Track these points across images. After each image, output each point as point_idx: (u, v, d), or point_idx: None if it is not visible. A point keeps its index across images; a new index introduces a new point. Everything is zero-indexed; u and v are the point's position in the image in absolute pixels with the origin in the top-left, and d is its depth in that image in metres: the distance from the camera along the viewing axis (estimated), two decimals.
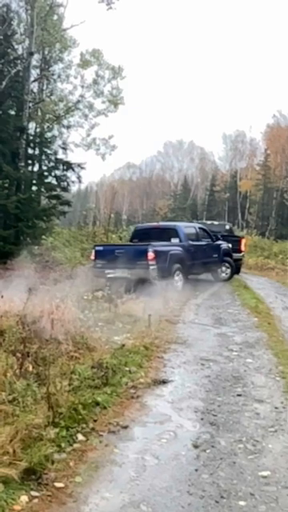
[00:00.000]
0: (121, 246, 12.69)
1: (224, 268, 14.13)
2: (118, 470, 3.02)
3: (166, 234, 12.15)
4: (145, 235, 12.60)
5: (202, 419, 3.85)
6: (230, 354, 5.84)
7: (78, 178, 24.63)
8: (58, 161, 24.87)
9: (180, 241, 11.98)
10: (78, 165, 24.61)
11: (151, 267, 10.43)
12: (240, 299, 10.14)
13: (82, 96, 22.87)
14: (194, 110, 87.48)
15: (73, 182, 24.82)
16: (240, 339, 6.61)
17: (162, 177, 74.02)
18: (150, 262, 10.45)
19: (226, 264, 14.24)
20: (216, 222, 17.40)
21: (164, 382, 4.72)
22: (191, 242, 12.32)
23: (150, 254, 10.50)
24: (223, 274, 14.03)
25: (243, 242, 15.87)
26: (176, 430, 3.65)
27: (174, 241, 11.91)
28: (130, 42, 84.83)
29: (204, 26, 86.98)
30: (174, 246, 11.61)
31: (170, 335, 6.71)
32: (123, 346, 5.46)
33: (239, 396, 4.38)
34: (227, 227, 16.09)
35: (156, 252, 10.62)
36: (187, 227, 13.42)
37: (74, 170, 24.32)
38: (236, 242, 15.81)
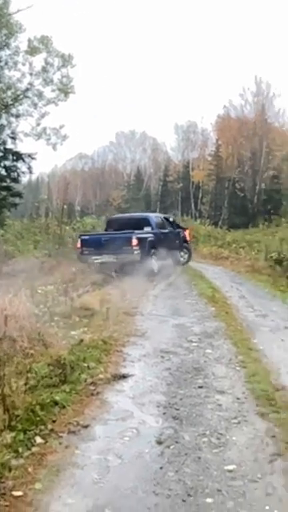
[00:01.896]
0: (106, 234, 13.57)
1: (182, 253, 15.73)
2: (80, 473, 2.88)
3: (139, 223, 13.34)
4: (118, 225, 13.87)
5: (164, 414, 3.77)
6: (190, 345, 5.80)
7: (29, 168, 23.99)
8: (7, 151, 24.14)
9: (152, 229, 13.29)
10: (29, 155, 23.95)
11: (135, 252, 11.79)
12: (197, 289, 10.15)
13: (30, 84, 22.17)
14: (145, 99, 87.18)
15: (23, 172, 24.17)
16: (199, 329, 6.58)
17: (114, 167, 73.43)
18: (135, 248, 11.80)
19: (184, 249, 15.95)
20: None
21: (124, 377, 4.61)
22: (160, 230, 13.81)
23: (134, 241, 11.84)
24: (182, 259, 15.49)
25: (187, 232, 16.78)
26: (138, 426, 3.54)
27: (147, 229, 13.11)
28: (80, 30, 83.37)
29: (156, 15, 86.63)
30: (149, 234, 12.89)
31: (128, 328, 6.60)
32: (82, 341, 5.30)
33: (201, 388, 4.33)
34: (170, 219, 16.60)
35: (138, 239, 11.93)
36: (156, 217, 15.02)
37: (24, 160, 23.65)
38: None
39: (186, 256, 15.88)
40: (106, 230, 14.81)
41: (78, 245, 12.89)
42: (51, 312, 7.24)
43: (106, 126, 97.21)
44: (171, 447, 3.20)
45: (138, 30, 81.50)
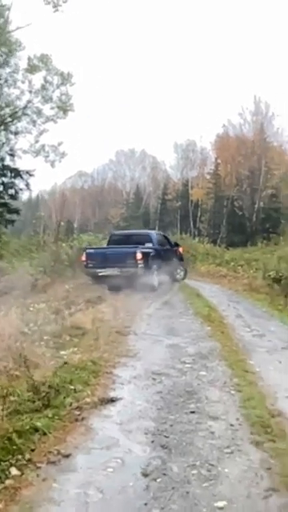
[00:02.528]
0: (111, 248, 13.98)
1: (179, 270, 16.09)
2: (56, 510, 2.63)
3: (140, 239, 14.01)
4: (120, 240, 14.46)
5: (152, 442, 3.52)
6: (183, 366, 5.56)
7: (27, 185, 24.01)
8: (5, 167, 24.16)
9: (153, 245, 13.85)
10: (27, 172, 23.98)
11: (139, 266, 12.28)
12: (193, 308, 9.92)
13: (29, 101, 22.27)
14: (145, 118, 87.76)
15: (21, 189, 24.21)
16: (193, 350, 6.34)
17: (114, 185, 73.64)
18: (139, 262, 12.30)
19: (181, 267, 16.38)
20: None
21: (112, 401, 4.36)
22: (160, 247, 14.50)
23: (139, 255, 12.35)
24: (178, 276, 15.82)
25: (180, 250, 17.22)
26: (124, 456, 3.30)
27: (148, 245, 13.58)
28: (80, 48, 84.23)
29: (155, 34, 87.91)
30: (150, 249, 13.42)
31: (120, 348, 6.36)
32: (65, 363, 5.04)
33: (193, 413, 4.09)
34: (168, 237, 16.92)
35: (142, 253, 12.48)
36: (156, 234, 15.89)
37: (22, 177, 23.67)
38: None
39: (182, 273, 16.24)
40: (108, 244, 15.15)
41: (83, 258, 13.22)
42: (41, 331, 7.02)
43: (106, 145, 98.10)
44: (158, 480, 2.96)
45: (137, 48, 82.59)
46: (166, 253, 14.85)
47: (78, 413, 3.99)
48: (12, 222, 23.13)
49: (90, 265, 12.93)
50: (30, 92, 22.23)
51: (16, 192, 23.42)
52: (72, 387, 4.50)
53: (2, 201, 22.49)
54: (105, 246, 15.59)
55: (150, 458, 3.26)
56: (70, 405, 4.11)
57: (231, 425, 3.82)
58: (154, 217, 60.80)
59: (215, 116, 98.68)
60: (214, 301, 11.16)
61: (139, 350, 6.28)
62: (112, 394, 4.53)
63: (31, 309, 9.08)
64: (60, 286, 12.34)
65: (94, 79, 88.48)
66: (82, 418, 3.90)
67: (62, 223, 23.54)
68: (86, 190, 77.07)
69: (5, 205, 22.22)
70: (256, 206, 41.60)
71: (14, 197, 23.21)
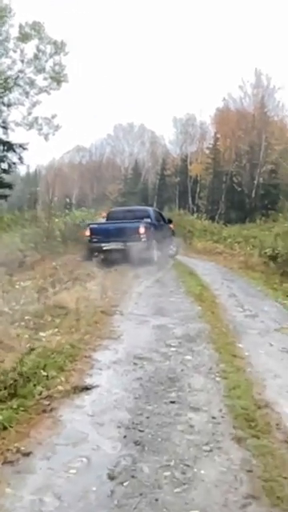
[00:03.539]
0: (114, 223, 14.09)
1: (171, 246, 16.36)
2: None
3: (138, 215, 14.25)
4: (119, 216, 14.79)
5: (125, 437, 3.21)
6: (168, 350, 5.23)
7: (20, 159, 23.43)
8: None
9: (151, 221, 13.95)
10: (20, 145, 23.35)
11: (143, 239, 12.69)
12: (185, 286, 9.57)
13: (22, 71, 21.52)
14: (144, 92, 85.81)
15: (14, 163, 23.61)
16: (180, 332, 6.01)
17: (112, 160, 72.71)
18: (142, 236, 12.73)
19: (173, 243, 16.69)
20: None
21: (87, 389, 4.04)
22: (157, 223, 14.69)
23: (142, 229, 12.78)
24: (171, 251, 16.10)
25: (171, 226, 17.55)
26: (91, 454, 2.98)
27: (147, 220, 13.70)
28: (75, 17, 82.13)
29: (156, 7, 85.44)
30: (150, 225, 13.66)
31: (103, 329, 6.03)
32: (32, 349, 4.67)
33: (172, 403, 3.77)
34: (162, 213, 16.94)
35: (145, 227, 12.89)
36: (153, 210, 16.10)
37: (15, 150, 23.04)
38: None
39: (175, 249, 16.51)
40: (107, 220, 15.34)
41: (88, 233, 13.63)
42: (23, 310, 6.68)
43: (104, 119, 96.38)
44: (125, 484, 2.64)
45: (137, 21, 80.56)
46: (161, 229, 15.15)
47: (47, 403, 3.67)
48: (5, 197, 22.62)
49: (95, 239, 13.27)
50: (22, 62, 21.50)
51: (9, 166, 22.81)
52: (44, 373, 4.17)
53: None
54: (103, 221, 15.58)
55: (120, 456, 2.95)
56: (40, 394, 3.79)
57: (213, 417, 3.50)
58: (152, 193, 60.19)
59: (216, 89, 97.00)
60: (208, 279, 10.80)
61: (123, 332, 5.94)
62: (88, 381, 4.21)
63: (17, 286, 8.75)
64: (50, 262, 11.97)
65: (91, 50, 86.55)
66: (51, 409, 3.58)
67: (56, 198, 23.00)
68: (83, 165, 76.12)
69: None
70: (255, 181, 40.97)
71: (6, 171, 22.62)
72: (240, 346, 5.45)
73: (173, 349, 5.26)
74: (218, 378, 4.32)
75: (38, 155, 76.08)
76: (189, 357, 4.97)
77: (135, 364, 4.73)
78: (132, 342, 5.52)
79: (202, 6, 79.99)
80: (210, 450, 3.01)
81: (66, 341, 5.20)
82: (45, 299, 7.27)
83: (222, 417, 3.50)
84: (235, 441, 3.12)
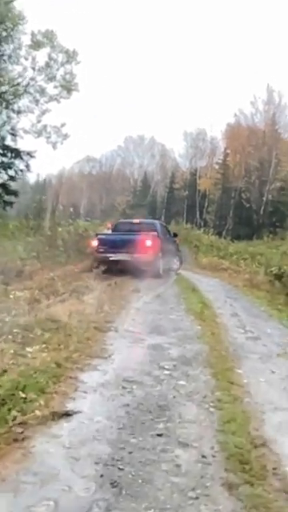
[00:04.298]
0: (122, 234, 14.25)
1: (175, 260, 16.18)
2: None
3: (145, 227, 14.30)
4: (126, 228, 14.97)
5: (101, 476, 2.83)
6: (161, 373, 4.86)
7: (27, 166, 23.27)
8: (5, 147, 23.39)
9: (157, 234, 13.87)
10: (28, 153, 23.22)
11: (149, 252, 12.81)
12: (186, 303, 9.21)
13: (32, 79, 21.45)
14: (155, 105, 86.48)
15: (21, 170, 23.47)
16: (176, 353, 5.64)
17: (122, 172, 72.85)
18: (148, 248, 12.83)
19: (177, 257, 16.54)
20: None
21: (67, 415, 3.68)
22: (163, 236, 14.64)
23: (149, 242, 12.92)
24: (174, 266, 15.92)
25: (176, 240, 17.55)
26: (60, 496, 2.61)
27: (153, 234, 13.64)
28: (90, 30, 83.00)
29: (169, 21, 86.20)
30: (157, 238, 13.57)
31: (94, 347, 5.66)
32: (5, 371, 4.28)
33: (159, 436, 3.40)
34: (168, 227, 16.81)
35: (152, 240, 12.99)
36: (160, 224, 16.21)
37: (22, 158, 22.91)
38: None
39: (178, 263, 16.43)
40: (113, 231, 15.39)
41: (95, 243, 13.78)
42: (13, 322, 6.34)
43: (115, 130, 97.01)
44: None
45: (152, 34, 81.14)
46: (167, 242, 15.12)
47: (20, 430, 3.31)
48: (10, 203, 22.43)
49: (101, 250, 13.33)
50: (34, 69, 21.43)
51: (16, 173, 22.65)
52: (23, 395, 3.81)
53: (0, 181, 21.76)
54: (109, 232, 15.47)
55: (93, 501, 2.58)
56: (14, 419, 3.43)
57: (203, 456, 3.12)
58: (160, 206, 60.08)
59: (227, 105, 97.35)
60: (211, 296, 10.43)
61: (115, 351, 5.58)
62: (69, 406, 3.84)
63: (11, 296, 8.43)
64: (49, 272, 11.66)
65: (105, 61, 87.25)
66: (24, 438, 3.22)
67: (62, 207, 22.78)
68: (93, 175, 76.29)
69: (2, 186, 21.49)
70: (264, 198, 40.68)
71: (13, 178, 22.46)
72: (239, 371, 5.07)
73: (166, 372, 4.89)
74: (212, 409, 3.94)
75: (48, 164, 76.11)
76: (183, 382, 4.60)
77: (124, 388, 4.36)
78: (123, 363, 5.16)
79: (218, 20, 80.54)
80: (197, 498, 2.64)
81: (52, 358, 4.85)
82: (37, 311, 6.92)
83: (214, 456, 3.12)
84: (226, 487, 2.75)
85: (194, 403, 4.06)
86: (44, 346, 5.42)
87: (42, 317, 6.72)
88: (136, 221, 16.76)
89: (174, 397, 4.20)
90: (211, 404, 4.03)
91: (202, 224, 44.62)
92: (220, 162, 49.69)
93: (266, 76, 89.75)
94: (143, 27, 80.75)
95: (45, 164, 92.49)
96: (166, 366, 5.07)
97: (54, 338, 5.79)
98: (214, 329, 7.07)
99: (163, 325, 7.26)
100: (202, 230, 36.85)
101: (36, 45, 20.97)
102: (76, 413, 3.73)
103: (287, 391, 4.56)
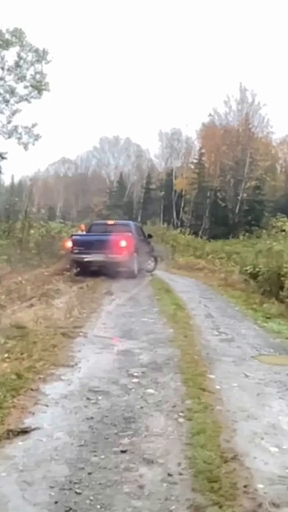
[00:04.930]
0: (96, 235, 14.35)
1: (150, 261, 16.02)
2: None
3: (120, 228, 14.38)
4: (100, 229, 15.03)
5: (56, 503, 2.56)
6: (129, 381, 4.60)
7: None
8: None
9: (132, 235, 13.90)
10: None
11: (124, 253, 12.79)
12: (159, 305, 8.98)
13: (1, 79, 20.94)
14: (130, 105, 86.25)
15: None
16: (147, 359, 5.40)
17: (97, 173, 72.49)
18: (123, 249, 12.81)
19: (152, 257, 16.30)
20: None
21: (24, 433, 3.39)
22: (138, 237, 14.69)
23: (123, 242, 12.92)
24: (149, 266, 15.82)
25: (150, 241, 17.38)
26: None
27: (128, 234, 13.65)
28: (61, 28, 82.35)
29: (144, 21, 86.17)
30: (132, 239, 13.58)
31: (60, 355, 5.37)
32: None
33: (123, 453, 3.14)
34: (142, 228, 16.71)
35: (126, 241, 12.99)
36: (134, 224, 16.39)
37: None
38: None
39: (153, 264, 16.26)
40: (87, 233, 15.36)
41: (69, 243, 13.68)
42: None
43: (90, 131, 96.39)
44: None
45: (124, 35, 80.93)
46: (142, 243, 15.03)
47: None
48: None
49: (76, 251, 13.27)
50: (2, 69, 20.94)
51: None
52: None
53: None
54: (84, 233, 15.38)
55: None
56: None
57: (169, 474, 2.88)
58: (137, 206, 59.92)
59: (202, 104, 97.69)
60: (185, 297, 10.23)
61: (82, 358, 5.31)
62: (27, 422, 3.56)
63: None
64: (19, 276, 11.28)
65: (79, 62, 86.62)
66: None
67: (34, 209, 22.31)
68: (69, 177, 75.75)
69: None
70: (239, 197, 40.84)
71: None
72: (211, 376, 4.85)
73: (135, 380, 4.64)
74: (181, 419, 3.71)
75: (23, 166, 75.15)
76: (151, 390, 4.36)
77: (88, 399, 4.10)
78: (90, 371, 4.89)
79: (189, 19, 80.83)
80: None
81: (13, 369, 4.56)
82: (1, 318, 6.59)
83: (180, 474, 2.88)
84: (192, 510, 2.50)
85: (162, 414, 3.82)
86: (6, 355, 5.12)
87: (6, 323, 6.40)
88: (110, 222, 16.70)
89: (142, 407, 3.95)
90: (180, 414, 3.80)
91: (179, 224, 44.59)
92: (195, 161, 49.71)
93: (239, 75, 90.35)
94: (118, 26, 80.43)
95: (19, 166, 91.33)
96: (135, 374, 4.82)
97: (19, 346, 5.50)
98: (186, 331, 6.85)
99: (134, 328, 7.01)
100: (179, 229, 36.83)
101: (5, 44, 20.50)
102: (34, 429, 3.45)
103: (260, 397, 4.34)
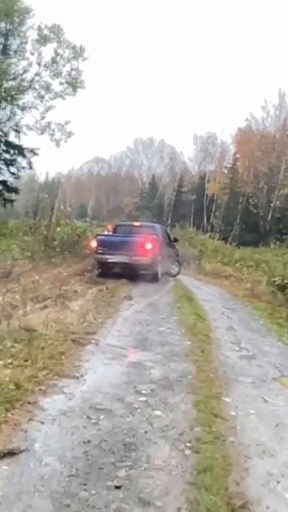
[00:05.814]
0: (121, 236, 14.03)
1: (174, 265, 15.83)
2: None
3: (146, 230, 14.09)
4: (126, 230, 14.69)
5: None
6: (136, 399, 4.23)
7: (29, 163, 22.75)
8: (8, 144, 22.85)
9: (157, 237, 13.69)
10: (31, 150, 22.71)
11: (148, 255, 12.54)
12: (179, 314, 8.58)
13: (38, 74, 20.91)
14: (166, 107, 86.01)
15: (23, 167, 22.96)
16: (158, 374, 5.02)
17: (130, 174, 72.55)
18: (148, 251, 12.58)
19: (176, 262, 16.15)
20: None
21: (11, 454, 3.06)
22: (163, 240, 14.56)
23: (149, 245, 12.64)
24: (173, 271, 15.60)
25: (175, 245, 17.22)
26: None
27: (153, 237, 13.40)
28: (104, 30, 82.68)
29: (185, 24, 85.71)
30: (157, 241, 13.34)
31: (66, 364, 5.04)
32: None
33: (117, 489, 2.77)
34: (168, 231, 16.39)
35: (151, 243, 12.73)
36: (160, 227, 16.00)
37: (25, 155, 22.39)
38: None
39: (177, 269, 16.06)
40: (113, 234, 15.20)
41: (94, 243, 13.49)
42: None
43: (125, 132, 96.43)
44: None
45: (164, 36, 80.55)
46: (167, 246, 14.85)
47: None
48: (11, 201, 21.91)
49: (100, 251, 13.09)
50: (39, 64, 20.89)
51: (18, 170, 22.14)
52: None
53: (2, 178, 21.25)
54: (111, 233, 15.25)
55: None
56: None
57: None
58: (167, 208, 59.62)
59: (239, 109, 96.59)
60: (207, 306, 9.78)
61: (89, 369, 4.96)
62: (17, 442, 3.23)
63: None
64: (40, 274, 11.06)
65: (118, 64, 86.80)
66: None
67: (62, 206, 22.21)
68: (102, 176, 76.11)
69: (3, 183, 20.96)
70: (272, 204, 39.92)
71: (14, 175, 21.93)
72: (226, 400, 4.43)
73: (142, 398, 4.26)
74: (187, 451, 3.31)
75: (58, 163, 75.91)
76: (159, 412, 3.97)
77: (88, 418, 3.74)
78: (95, 384, 4.54)
79: (230, 23, 79.96)
80: None
81: (13, 377, 4.23)
82: (10, 319, 6.31)
83: None
84: None
85: (167, 442, 3.43)
86: (9, 360, 4.82)
87: (15, 325, 6.12)
88: (136, 223, 16.47)
89: (146, 432, 3.57)
90: (187, 444, 3.40)
91: (209, 228, 43.99)
92: (229, 166, 48.99)
93: (277, 80, 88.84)
94: (158, 27, 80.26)
95: (55, 163, 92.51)
96: (143, 391, 4.44)
97: (25, 351, 5.19)
98: (205, 345, 6.42)
99: (150, 338, 6.63)
100: (209, 234, 36.25)
101: (43, 39, 20.45)
102: (23, 451, 3.12)
103: (280, 428, 3.90)
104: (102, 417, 3.78)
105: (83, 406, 3.99)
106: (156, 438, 3.50)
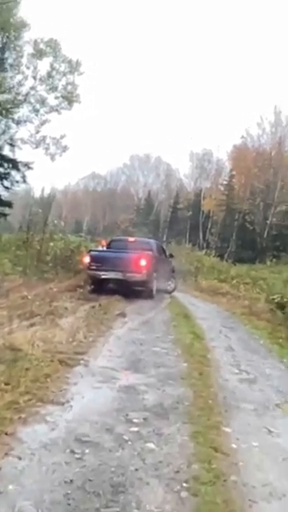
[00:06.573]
0: (115, 252, 13.75)
1: (170, 282, 15.44)
2: None
3: (141, 246, 13.72)
4: (120, 246, 14.34)
5: None
6: (127, 429, 3.80)
7: (23, 177, 22.45)
8: (2, 157, 22.58)
9: (153, 253, 13.39)
10: (25, 164, 22.43)
11: (143, 272, 12.16)
12: (175, 332, 8.16)
13: (33, 88, 20.73)
14: (162, 124, 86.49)
15: (17, 181, 22.66)
16: (152, 399, 4.59)
17: (126, 190, 72.57)
18: (143, 268, 12.19)
19: (172, 278, 15.79)
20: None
21: None
22: (158, 256, 14.20)
23: (143, 261, 12.26)
24: (169, 287, 15.23)
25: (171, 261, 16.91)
26: None
27: (148, 253, 13.09)
28: (101, 45, 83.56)
29: (179, 41, 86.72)
30: (152, 257, 13.02)
31: (52, 388, 4.60)
32: None
33: None
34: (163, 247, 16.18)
35: (146, 259, 12.36)
36: (156, 243, 15.45)
37: (19, 169, 22.11)
38: None
39: (173, 285, 15.77)
40: (107, 249, 14.86)
41: (87, 259, 13.05)
42: None
43: (121, 148, 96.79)
44: None
45: (159, 53, 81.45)
46: (162, 263, 14.43)
47: None
48: (4, 215, 21.56)
49: (93, 267, 12.71)
50: (35, 78, 20.75)
51: (11, 184, 21.84)
52: None
53: None
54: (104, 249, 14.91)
55: None
56: None
57: None
58: (163, 225, 59.48)
59: (235, 126, 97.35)
60: (204, 325, 9.37)
61: (76, 394, 4.53)
62: None
63: None
64: (30, 290, 10.64)
65: (115, 81, 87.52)
66: None
67: (55, 221, 21.86)
68: (98, 192, 76.02)
69: None
70: (268, 221, 39.74)
71: (8, 189, 21.64)
72: (227, 430, 4.01)
73: (134, 428, 3.83)
74: (184, 493, 2.89)
75: (54, 178, 75.98)
76: (152, 445, 3.55)
77: (72, 452, 3.32)
78: (82, 412, 4.11)
79: (226, 40, 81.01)
80: None
81: None
82: None
83: None
84: None
85: (160, 482, 3.01)
86: None
87: (0, 344, 5.70)
88: (131, 239, 16.11)
89: (137, 469, 3.15)
90: (184, 485, 2.98)
91: (205, 245, 43.75)
92: (225, 183, 48.98)
93: (273, 98, 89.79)
94: (156, 45, 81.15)
95: (51, 178, 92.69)
96: (135, 420, 4.02)
97: (7, 374, 4.76)
98: (203, 367, 6.00)
99: (144, 359, 6.20)
100: (204, 251, 35.97)
101: (39, 53, 20.35)
102: None
103: (287, 464, 3.49)
104: (87, 451, 3.36)
105: (67, 437, 3.56)
106: (148, 477, 3.07)
